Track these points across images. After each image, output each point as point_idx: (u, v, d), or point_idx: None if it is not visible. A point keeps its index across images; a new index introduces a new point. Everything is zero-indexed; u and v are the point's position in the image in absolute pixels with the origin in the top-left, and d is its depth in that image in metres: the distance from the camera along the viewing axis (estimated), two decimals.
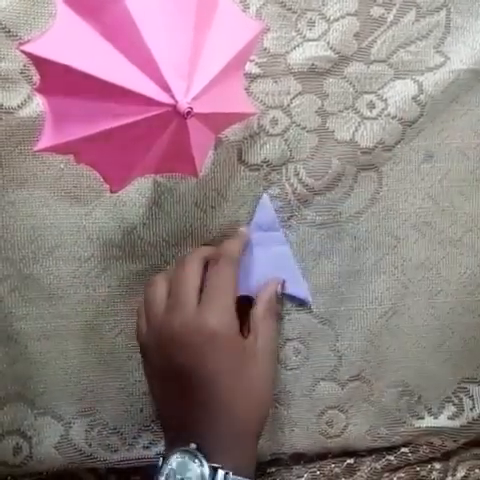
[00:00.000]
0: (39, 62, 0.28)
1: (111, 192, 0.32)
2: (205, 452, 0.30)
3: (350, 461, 0.42)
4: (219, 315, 0.31)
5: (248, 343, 0.33)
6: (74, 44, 0.28)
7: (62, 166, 0.36)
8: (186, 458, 0.29)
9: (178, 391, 0.32)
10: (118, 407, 0.39)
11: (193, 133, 0.30)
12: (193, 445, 0.30)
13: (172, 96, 0.28)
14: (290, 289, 0.38)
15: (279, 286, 0.37)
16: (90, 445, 0.39)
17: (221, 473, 0.29)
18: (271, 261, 0.38)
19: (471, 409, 0.42)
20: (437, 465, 0.42)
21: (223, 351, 0.31)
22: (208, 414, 0.31)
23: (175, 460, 0.30)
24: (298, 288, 0.39)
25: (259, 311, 0.35)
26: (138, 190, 0.37)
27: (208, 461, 0.29)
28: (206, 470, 0.29)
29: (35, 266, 0.37)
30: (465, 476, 0.42)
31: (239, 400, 0.32)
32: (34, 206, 0.36)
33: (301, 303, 0.39)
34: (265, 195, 0.38)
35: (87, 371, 0.38)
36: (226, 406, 0.31)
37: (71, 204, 0.36)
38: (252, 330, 0.34)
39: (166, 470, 0.30)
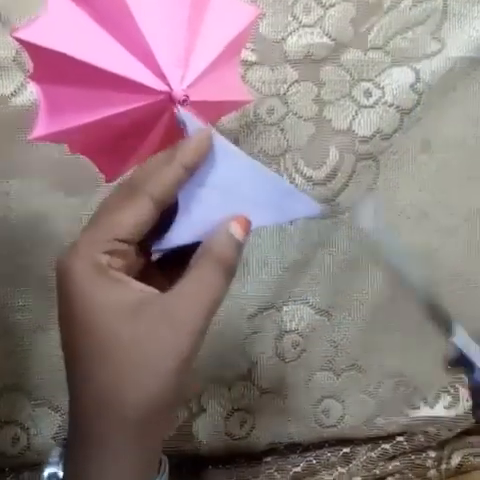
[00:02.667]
0: (32, 49, 0.27)
1: (107, 182, 0.32)
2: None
3: (346, 450, 0.42)
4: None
5: (160, 301, 0.23)
6: (67, 30, 0.27)
7: (57, 156, 0.35)
8: None
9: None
10: None
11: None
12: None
13: (167, 84, 0.28)
14: (281, 214, 0.27)
15: (233, 224, 0.24)
16: None
17: None
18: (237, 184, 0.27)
19: (467, 399, 0.42)
20: (432, 453, 0.42)
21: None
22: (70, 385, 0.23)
23: None
24: (294, 205, 0.27)
25: (195, 258, 0.24)
26: None
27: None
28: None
29: (31, 257, 0.36)
30: (460, 464, 0.42)
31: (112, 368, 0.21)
32: (29, 196, 0.36)
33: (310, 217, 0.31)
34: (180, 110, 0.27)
35: None
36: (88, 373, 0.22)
37: (66, 194, 0.36)
38: (179, 282, 0.23)
39: None
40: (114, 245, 0.23)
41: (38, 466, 0.38)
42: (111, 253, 0.23)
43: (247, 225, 0.25)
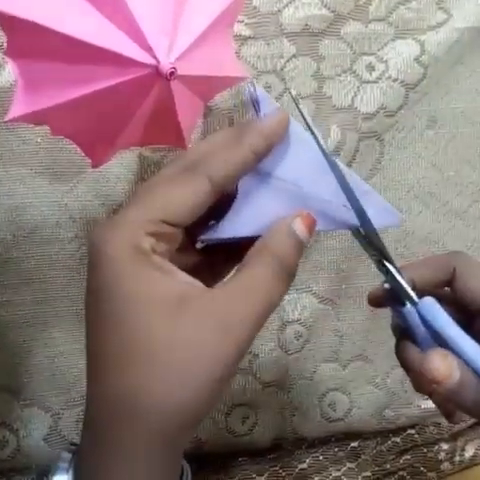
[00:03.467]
0: (4, 20, 0.25)
1: (93, 167, 0.30)
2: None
3: (354, 444, 0.41)
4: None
5: (206, 299, 0.20)
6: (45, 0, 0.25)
7: (39, 140, 0.34)
8: None
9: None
10: None
11: (178, 99, 0.28)
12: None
13: (153, 56, 0.26)
14: (345, 220, 0.24)
15: (297, 220, 0.22)
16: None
17: None
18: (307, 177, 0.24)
19: None
20: (445, 446, 0.41)
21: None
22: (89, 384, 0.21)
23: None
24: (370, 211, 0.24)
25: (249, 255, 0.22)
26: (122, 164, 0.35)
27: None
28: None
29: (14, 249, 0.35)
30: (473, 456, 0.42)
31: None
32: (11, 184, 0.34)
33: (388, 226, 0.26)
34: (256, 87, 0.25)
35: (74, 359, 0.37)
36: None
37: (51, 181, 0.34)
38: (229, 280, 0.21)
39: None
40: (161, 227, 0.21)
41: (29, 469, 0.37)
42: (156, 236, 0.20)
43: (312, 223, 0.22)
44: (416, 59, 0.36)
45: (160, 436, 0.19)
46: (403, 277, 0.25)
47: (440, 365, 0.21)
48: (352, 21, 0.35)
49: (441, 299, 0.24)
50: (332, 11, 0.35)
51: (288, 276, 0.21)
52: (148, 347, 0.19)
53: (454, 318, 0.24)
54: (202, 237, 0.24)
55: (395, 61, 0.36)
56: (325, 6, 0.35)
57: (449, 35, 0.36)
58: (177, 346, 0.19)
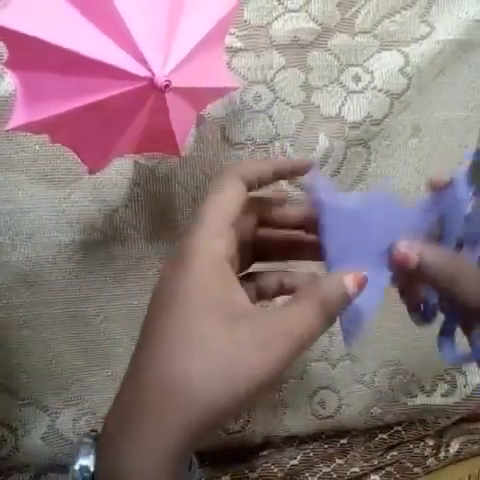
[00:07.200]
0: (6, 34, 0.26)
1: (90, 173, 0.31)
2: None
3: (343, 441, 0.42)
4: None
5: (255, 321, 0.23)
6: (44, 15, 0.26)
7: (37, 148, 0.34)
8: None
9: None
10: (106, 395, 0.38)
11: (173, 109, 0.29)
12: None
13: (149, 69, 0.27)
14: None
15: (349, 277, 0.24)
16: (78, 435, 0.38)
17: None
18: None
19: (464, 386, 0.42)
20: (430, 442, 0.42)
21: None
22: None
23: None
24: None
25: (300, 292, 0.25)
26: (118, 171, 0.35)
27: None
28: None
29: (13, 253, 0.35)
30: (458, 451, 0.42)
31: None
32: (9, 190, 0.35)
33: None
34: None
35: (72, 360, 0.37)
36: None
37: (48, 187, 0.35)
38: (277, 310, 0.24)
39: None
40: (229, 231, 0.25)
41: (27, 468, 0.38)
42: (225, 239, 0.25)
43: (362, 282, 0.25)
44: (400, 70, 0.37)
45: (191, 427, 0.21)
46: None
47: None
48: (339, 34, 0.36)
49: None
50: (320, 24, 0.36)
51: (328, 320, 0.24)
52: (200, 345, 0.22)
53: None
54: None
55: (380, 72, 0.37)
56: (313, 19, 0.36)
57: (432, 47, 0.37)
58: (222, 352, 0.22)
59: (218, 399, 0.21)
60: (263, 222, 0.30)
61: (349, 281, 0.24)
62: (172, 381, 0.21)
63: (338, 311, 0.24)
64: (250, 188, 0.27)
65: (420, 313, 0.29)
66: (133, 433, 0.21)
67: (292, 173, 0.29)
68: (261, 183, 0.28)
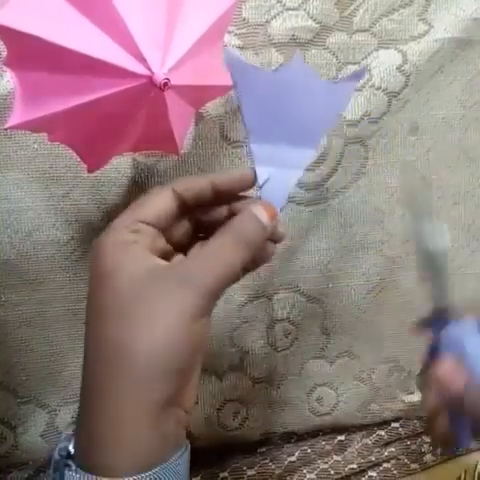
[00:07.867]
0: (5, 32, 0.26)
1: (88, 172, 0.31)
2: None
3: (341, 438, 0.42)
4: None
5: (175, 265, 0.26)
6: (43, 13, 0.26)
7: (36, 146, 0.34)
8: None
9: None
10: None
11: (171, 107, 0.29)
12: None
13: (148, 67, 0.27)
14: None
15: (259, 208, 0.26)
16: None
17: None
18: None
19: None
20: (427, 438, 0.42)
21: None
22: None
23: None
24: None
25: (217, 232, 0.26)
26: (117, 169, 0.35)
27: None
28: None
29: (12, 251, 0.35)
30: None
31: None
32: (8, 189, 0.35)
33: None
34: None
35: (71, 357, 0.37)
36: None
37: (47, 186, 0.35)
38: (191, 249, 0.27)
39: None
40: (140, 226, 0.26)
41: (26, 465, 0.38)
42: (138, 232, 0.26)
43: (273, 213, 0.27)
44: (398, 68, 0.37)
45: (147, 375, 0.23)
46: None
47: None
48: (337, 32, 0.36)
49: None
50: (318, 22, 0.36)
51: (246, 251, 0.25)
52: (132, 305, 0.24)
53: None
54: None
55: (378, 70, 0.37)
56: (311, 17, 0.36)
57: (430, 45, 0.37)
58: (151, 301, 0.24)
59: (159, 343, 0.23)
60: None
61: (260, 212, 0.26)
62: (120, 339, 0.23)
63: (254, 242, 0.26)
64: (184, 201, 0.28)
65: (450, 441, 0.29)
66: (104, 393, 0.23)
67: (234, 188, 0.29)
68: (199, 198, 0.28)
